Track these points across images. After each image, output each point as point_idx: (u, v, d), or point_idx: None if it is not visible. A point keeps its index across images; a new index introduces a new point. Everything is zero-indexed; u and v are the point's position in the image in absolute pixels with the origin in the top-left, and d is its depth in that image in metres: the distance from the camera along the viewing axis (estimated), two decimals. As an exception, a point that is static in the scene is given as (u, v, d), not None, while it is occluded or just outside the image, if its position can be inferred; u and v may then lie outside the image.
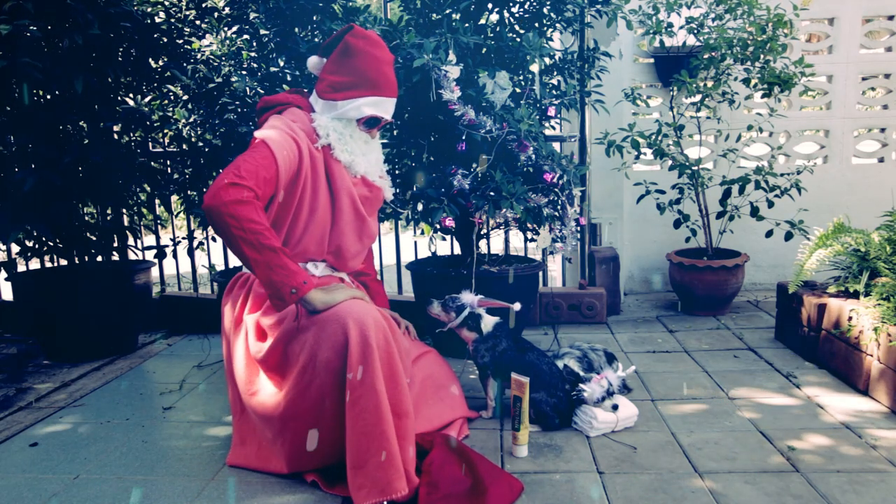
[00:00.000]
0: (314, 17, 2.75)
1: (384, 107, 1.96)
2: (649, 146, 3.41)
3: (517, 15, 2.89)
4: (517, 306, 2.18)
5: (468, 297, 2.22)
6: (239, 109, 2.92)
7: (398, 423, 1.70)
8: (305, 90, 2.10)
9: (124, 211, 3.44)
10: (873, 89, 4.04)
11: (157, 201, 3.60)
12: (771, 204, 3.42)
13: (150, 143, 3.56)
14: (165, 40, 3.09)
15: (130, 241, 3.40)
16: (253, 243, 1.65)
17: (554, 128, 3.57)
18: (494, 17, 2.89)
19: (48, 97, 2.91)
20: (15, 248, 3.17)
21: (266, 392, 1.83)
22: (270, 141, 1.77)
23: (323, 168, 1.90)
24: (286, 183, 1.82)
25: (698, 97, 3.45)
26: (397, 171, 3.00)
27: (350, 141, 1.94)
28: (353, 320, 1.68)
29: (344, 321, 1.69)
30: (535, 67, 2.72)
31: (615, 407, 2.07)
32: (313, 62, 2.02)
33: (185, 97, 3.06)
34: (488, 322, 2.21)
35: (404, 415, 1.72)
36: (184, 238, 3.52)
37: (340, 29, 1.96)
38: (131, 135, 3.35)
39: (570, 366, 2.24)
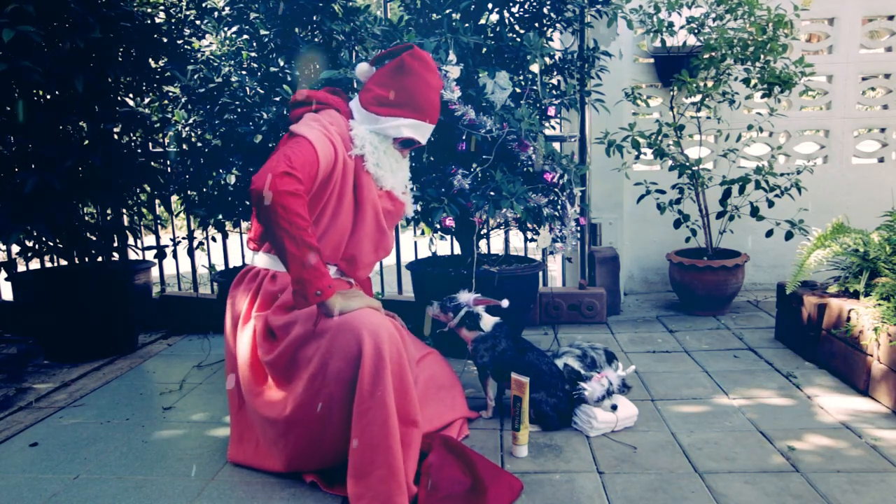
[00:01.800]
0: (314, 17, 2.75)
1: (422, 131, 1.97)
2: (649, 146, 3.41)
3: (517, 15, 2.89)
4: (505, 303, 2.19)
5: (465, 297, 2.22)
6: (239, 109, 2.92)
7: (406, 432, 1.71)
8: (341, 92, 2.07)
9: (124, 211, 3.43)
10: (873, 89, 4.04)
11: (157, 201, 3.60)
12: (771, 204, 3.42)
13: (150, 144, 3.56)
14: (165, 40, 3.09)
15: (130, 241, 3.40)
16: (296, 238, 1.63)
17: (554, 128, 3.57)
18: (494, 17, 2.89)
19: (48, 97, 2.91)
20: (15, 248, 3.16)
21: (271, 394, 1.83)
22: (314, 140, 1.74)
23: (352, 176, 1.89)
24: (319, 185, 1.81)
25: (698, 97, 3.45)
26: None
27: (383, 156, 1.94)
28: (367, 332, 1.68)
29: (359, 332, 1.68)
30: (535, 67, 2.71)
31: (614, 407, 2.07)
32: (362, 69, 2.00)
33: (185, 98, 3.06)
34: (487, 321, 2.21)
35: (413, 424, 1.73)
36: (184, 238, 3.52)
37: (400, 44, 1.97)
38: (131, 135, 3.35)
39: (570, 364, 2.24)
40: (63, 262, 3.37)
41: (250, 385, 1.87)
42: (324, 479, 1.80)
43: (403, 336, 1.87)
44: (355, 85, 2.37)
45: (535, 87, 2.65)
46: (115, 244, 3.25)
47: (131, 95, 3.21)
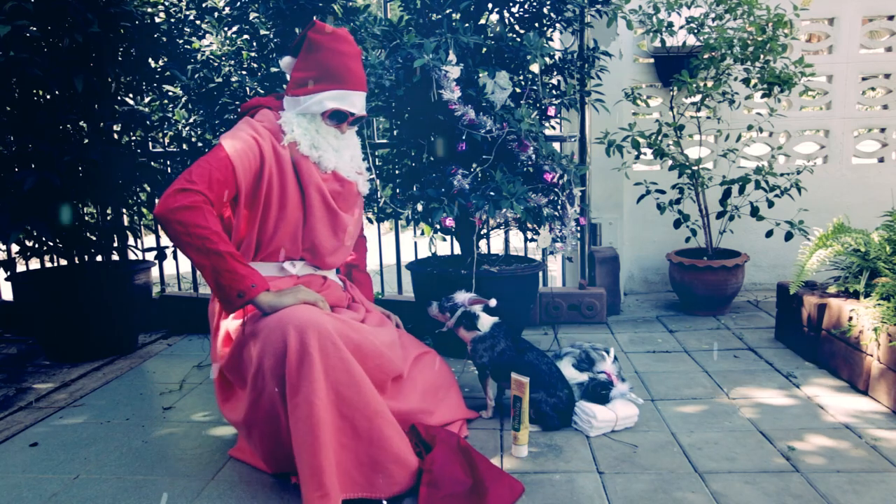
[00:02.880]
0: (314, 18, 2.75)
1: (350, 100, 1.94)
2: (649, 146, 3.41)
3: (517, 15, 2.89)
4: (493, 302, 2.20)
5: (461, 297, 2.22)
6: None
7: (368, 426, 1.68)
8: (277, 93, 2.14)
9: (124, 211, 3.43)
10: (873, 89, 4.03)
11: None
12: (771, 204, 3.42)
13: (150, 143, 3.56)
14: (165, 40, 3.09)
15: (130, 241, 3.40)
16: (199, 248, 1.66)
17: (554, 128, 3.57)
18: (494, 17, 2.89)
19: (48, 97, 2.92)
20: (15, 248, 3.16)
21: (235, 398, 1.86)
22: (226, 142, 1.80)
23: (290, 165, 1.90)
24: (249, 182, 1.82)
25: (698, 97, 3.45)
26: (397, 171, 3.00)
27: (317, 136, 1.93)
28: (293, 327, 1.66)
29: (285, 328, 1.66)
30: (535, 67, 2.72)
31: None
32: (286, 62, 2.03)
33: (185, 97, 3.06)
34: (485, 321, 2.20)
35: (374, 415, 1.70)
36: (184, 238, 3.51)
37: (306, 27, 1.97)
38: (131, 135, 3.35)
39: (566, 370, 2.24)
40: (63, 262, 3.37)
41: (219, 392, 1.91)
42: None
43: (354, 327, 1.85)
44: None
45: (535, 87, 2.65)
46: (115, 244, 3.25)
47: (131, 95, 3.21)
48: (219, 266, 1.67)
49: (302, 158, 1.91)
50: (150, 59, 3.10)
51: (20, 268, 3.43)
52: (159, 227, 1.70)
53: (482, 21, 2.85)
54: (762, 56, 3.25)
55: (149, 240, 3.93)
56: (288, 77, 2.04)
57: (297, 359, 1.63)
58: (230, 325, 1.84)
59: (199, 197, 1.68)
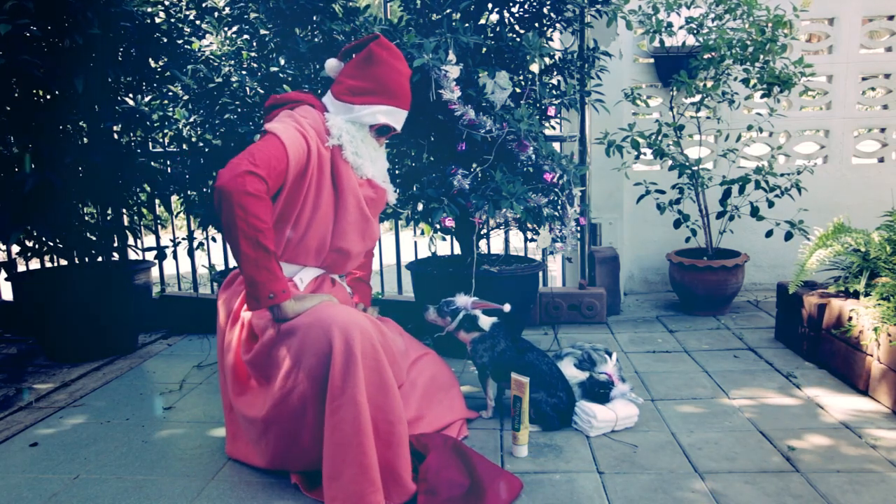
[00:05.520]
0: (314, 17, 2.75)
1: (397, 117, 2.00)
2: (649, 146, 3.41)
3: (517, 15, 2.89)
4: (507, 307, 2.18)
5: (462, 300, 2.22)
6: (239, 109, 2.92)
7: (390, 430, 1.69)
8: (311, 92, 2.12)
9: (124, 211, 3.43)
10: (873, 89, 4.04)
11: (157, 201, 3.60)
12: (771, 204, 3.42)
13: (150, 143, 3.56)
14: (165, 40, 3.09)
15: (130, 241, 3.40)
16: (251, 239, 1.66)
17: (554, 128, 3.57)
18: (494, 17, 2.89)
19: (48, 97, 2.92)
20: (15, 248, 3.16)
21: (252, 393, 1.84)
22: (282, 135, 1.77)
23: (329, 167, 1.90)
24: (294, 178, 1.82)
25: (698, 97, 3.45)
26: (397, 171, 3.00)
27: (361, 144, 1.96)
28: (338, 328, 1.67)
29: (329, 329, 1.67)
30: (535, 67, 2.72)
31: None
32: (332, 65, 2.03)
33: (185, 97, 3.06)
34: (485, 322, 2.20)
35: (397, 421, 1.71)
36: (184, 238, 3.52)
37: (365, 36, 2.00)
38: (131, 135, 3.35)
39: (567, 370, 2.24)
40: (63, 262, 3.37)
41: (233, 385, 1.89)
42: (306, 482, 1.79)
43: (382, 330, 1.87)
44: None
45: (534, 87, 2.65)
46: (115, 244, 3.25)
47: (131, 95, 3.21)
48: (263, 262, 1.68)
49: (342, 162, 1.92)
50: (150, 59, 3.10)
51: (20, 268, 3.43)
52: (216, 197, 1.66)
53: (482, 21, 2.85)
54: (762, 56, 3.25)
55: (149, 240, 3.93)
56: (332, 77, 2.03)
57: (342, 360, 1.64)
58: (256, 321, 1.83)
59: (264, 187, 1.68)
